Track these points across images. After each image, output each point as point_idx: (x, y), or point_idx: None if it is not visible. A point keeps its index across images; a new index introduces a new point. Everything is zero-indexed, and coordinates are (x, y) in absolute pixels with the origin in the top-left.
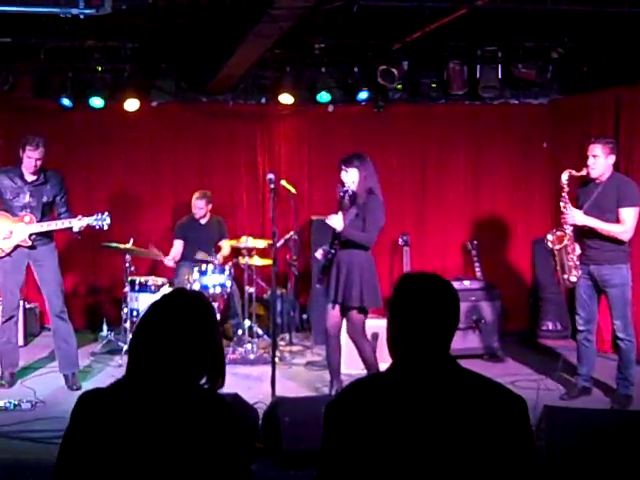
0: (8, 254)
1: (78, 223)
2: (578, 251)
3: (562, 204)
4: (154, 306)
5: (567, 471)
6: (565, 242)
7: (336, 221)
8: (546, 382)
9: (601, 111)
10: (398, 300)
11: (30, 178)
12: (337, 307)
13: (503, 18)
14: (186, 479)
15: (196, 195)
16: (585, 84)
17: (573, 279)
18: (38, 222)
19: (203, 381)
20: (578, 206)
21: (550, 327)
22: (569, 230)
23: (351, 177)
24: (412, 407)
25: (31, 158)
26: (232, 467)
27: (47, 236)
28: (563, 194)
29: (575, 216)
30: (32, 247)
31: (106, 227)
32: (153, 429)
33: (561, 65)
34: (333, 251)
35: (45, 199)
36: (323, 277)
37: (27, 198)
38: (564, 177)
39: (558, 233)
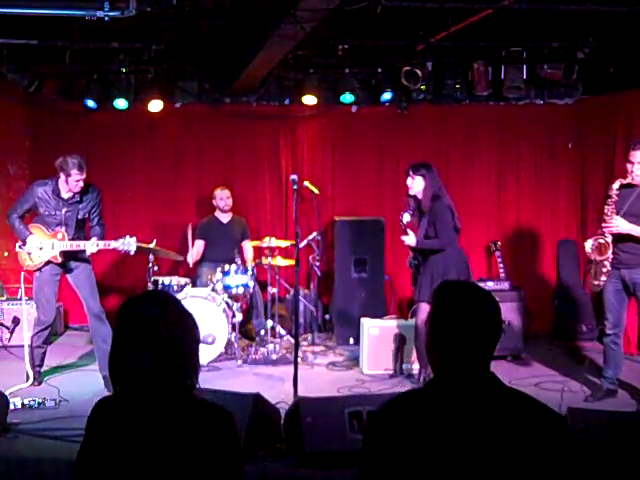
0: (39, 269)
1: (103, 245)
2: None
3: (607, 212)
4: (117, 321)
5: (592, 473)
6: (608, 254)
7: (409, 240)
8: (570, 384)
9: (627, 111)
10: (437, 310)
11: (66, 195)
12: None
13: (528, 18)
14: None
15: (219, 188)
16: (611, 84)
17: (601, 283)
18: (70, 239)
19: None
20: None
21: (575, 329)
22: (609, 238)
23: (417, 184)
24: (452, 425)
25: (79, 180)
26: (225, 471)
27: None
28: (610, 202)
29: (619, 225)
30: (62, 265)
31: (132, 252)
32: (150, 437)
33: (587, 65)
34: (416, 261)
35: (80, 216)
36: (414, 278)
37: (62, 215)
38: (615, 186)
39: (600, 241)
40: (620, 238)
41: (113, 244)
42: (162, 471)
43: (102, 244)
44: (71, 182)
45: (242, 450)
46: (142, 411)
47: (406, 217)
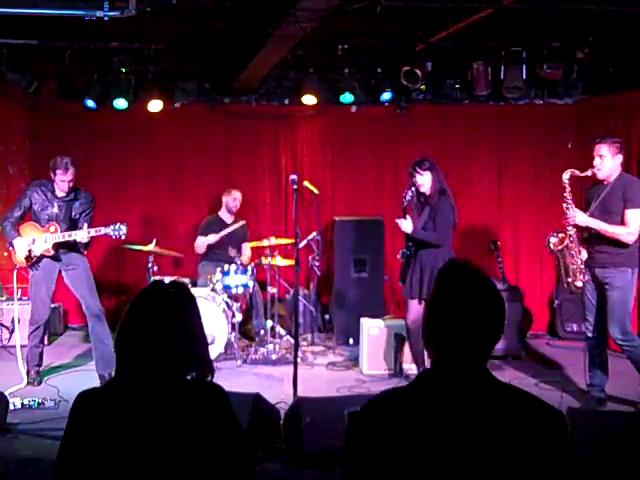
0: (33, 264)
1: (94, 232)
2: (585, 255)
3: (564, 205)
4: (132, 303)
5: (592, 473)
6: (566, 242)
7: (406, 225)
8: (570, 384)
9: (627, 111)
10: (437, 291)
11: (61, 194)
12: (417, 303)
13: (528, 18)
14: (183, 472)
15: (235, 189)
16: (611, 84)
17: (579, 284)
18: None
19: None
20: (586, 208)
21: (575, 329)
22: (572, 231)
23: (426, 180)
24: (441, 424)
25: (64, 181)
26: (231, 457)
27: (76, 245)
28: (565, 194)
29: (576, 216)
30: (55, 258)
31: (123, 237)
32: (143, 425)
33: (586, 65)
34: (408, 252)
35: (73, 214)
36: (402, 274)
37: (55, 210)
38: (565, 176)
39: (560, 235)
40: (593, 238)
41: (104, 230)
42: (159, 455)
43: (93, 231)
44: (58, 182)
45: (241, 429)
46: (134, 394)
47: (409, 196)
